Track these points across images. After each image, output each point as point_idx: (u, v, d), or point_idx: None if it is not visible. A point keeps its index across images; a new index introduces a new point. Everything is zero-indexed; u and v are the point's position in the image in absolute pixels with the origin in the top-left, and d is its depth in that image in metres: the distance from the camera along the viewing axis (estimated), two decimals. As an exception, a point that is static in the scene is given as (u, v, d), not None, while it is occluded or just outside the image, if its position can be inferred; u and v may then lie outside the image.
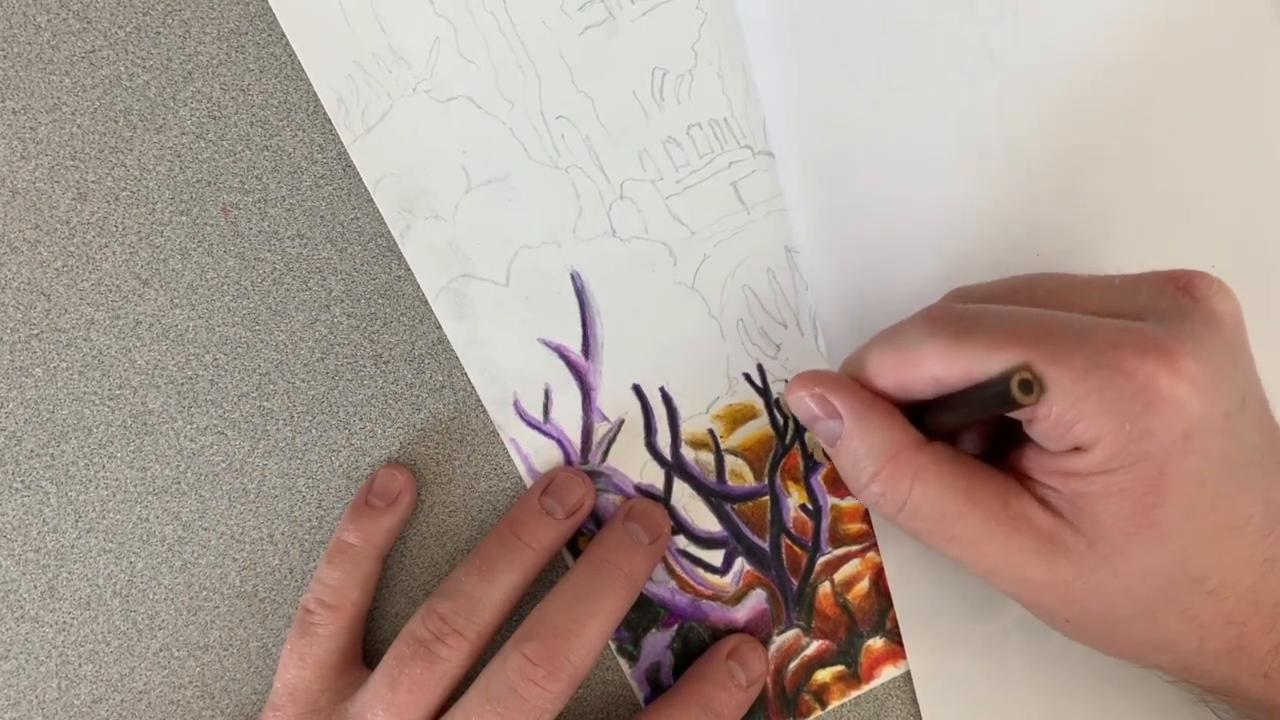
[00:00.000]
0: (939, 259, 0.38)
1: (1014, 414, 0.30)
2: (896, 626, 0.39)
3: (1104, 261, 0.38)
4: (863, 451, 0.32)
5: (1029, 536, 0.30)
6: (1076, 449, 0.29)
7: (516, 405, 0.39)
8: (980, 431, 0.35)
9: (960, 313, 0.31)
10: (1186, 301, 0.30)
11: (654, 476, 0.39)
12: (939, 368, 0.30)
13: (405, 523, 0.39)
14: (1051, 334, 0.29)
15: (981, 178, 0.38)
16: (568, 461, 0.39)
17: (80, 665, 0.39)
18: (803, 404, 0.33)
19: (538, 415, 0.39)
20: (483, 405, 0.39)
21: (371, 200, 0.39)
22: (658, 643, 0.40)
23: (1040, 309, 0.31)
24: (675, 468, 0.39)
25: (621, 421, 0.39)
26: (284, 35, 0.39)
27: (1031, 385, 0.28)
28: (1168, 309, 0.30)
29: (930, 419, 0.32)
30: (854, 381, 0.33)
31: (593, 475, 0.39)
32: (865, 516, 0.40)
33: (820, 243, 0.38)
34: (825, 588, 0.39)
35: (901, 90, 0.38)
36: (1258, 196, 0.39)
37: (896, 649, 0.40)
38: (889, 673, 0.40)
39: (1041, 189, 0.38)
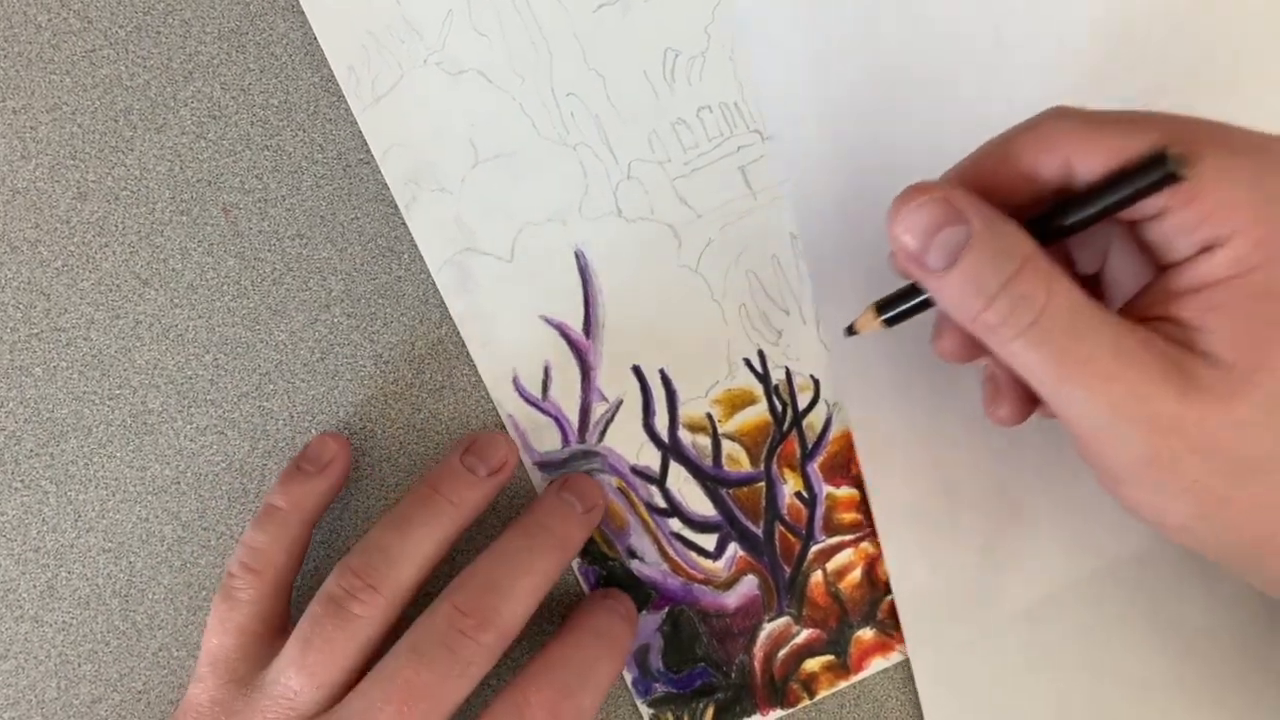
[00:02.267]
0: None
1: (1146, 206, 0.29)
2: (887, 618, 0.40)
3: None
4: (993, 254, 0.29)
5: (1159, 361, 0.28)
6: (1207, 250, 0.28)
7: (515, 382, 0.39)
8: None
9: (1087, 110, 0.30)
10: None
11: (650, 458, 0.40)
12: (1074, 146, 0.29)
13: (337, 490, 0.38)
14: (1193, 120, 0.28)
15: None
16: (565, 441, 0.39)
17: (80, 665, 0.39)
18: (922, 213, 0.29)
19: (536, 393, 0.39)
20: (482, 407, 0.39)
21: (372, 201, 0.39)
22: (648, 625, 0.40)
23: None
24: (672, 450, 0.39)
25: (620, 402, 0.39)
26: (284, 35, 0.39)
27: (1181, 158, 0.27)
28: None
29: (1053, 223, 0.30)
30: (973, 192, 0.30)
31: (588, 455, 0.39)
32: (859, 506, 0.40)
33: (822, 226, 0.38)
34: (817, 576, 0.40)
35: (911, 74, 0.38)
36: None
37: (887, 640, 0.40)
38: (878, 664, 0.40)
39: None
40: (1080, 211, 0.29)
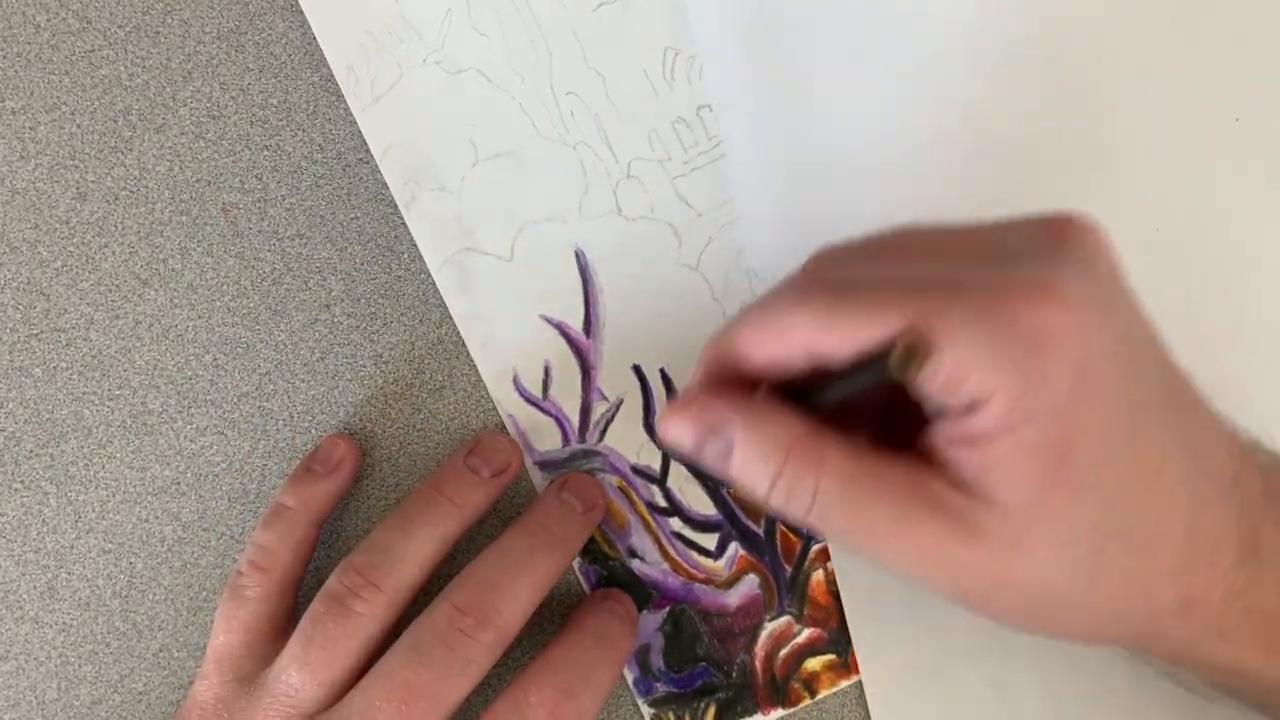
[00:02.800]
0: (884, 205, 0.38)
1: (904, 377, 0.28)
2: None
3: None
4: (760, 452, 0.29)
5: (945, 518, 0.28)
6: (973, 407, 0.27)
7: (516, 382, 0.39)
8: (871, 416, 0.33)
9: (830, 277, 0.29)
10: (1064, 245, 0.29)
11: (651, 458, 0.39)
12: (812, 338, 0.28)
13: (345, 491, 0.39)
14: (930, 288, 0.27)
15: (930, 136, 0.38)
16: (565, 441, 0.39)
17: (80, 666, 0.39)
18: (686, 430, 0.31)
19: (536, 392, 0.39)
20: (482, 407, 0.39)
21: (372, 200, 0.39)
22: (648, 624, 0.40)
23: (915, 263, 0.29)
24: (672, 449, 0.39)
25: (620, 401, 0.39)
26: (284, 35, 0.39)
27: (917, 348, 0.26)
28: (1045, 251, 0.28)
29: (814, 402, 0.30)
30: (729, 389, 0.30)
31: (589, 455, 0.39)
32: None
33: (763, 198, 0.38)
34: (818, 575, 0.40)
35: (852, 49, 0.38)
36: (1210, 164, 0.39)
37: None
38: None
39: (997, 151, 0.38)
40: (834, 392, 0.29)
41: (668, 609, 0.40)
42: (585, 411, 0.39)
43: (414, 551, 0.35)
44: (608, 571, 0.40)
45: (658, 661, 0.40)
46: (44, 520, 0.39)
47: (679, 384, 0.39)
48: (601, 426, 0.39)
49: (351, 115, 0.39)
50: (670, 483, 0.39)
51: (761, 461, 0.29)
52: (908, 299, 0.27)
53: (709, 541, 0.40)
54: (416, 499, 0.37)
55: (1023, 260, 0.28)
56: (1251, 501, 0.29)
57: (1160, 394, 0.29)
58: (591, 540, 0.40)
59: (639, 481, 0.40)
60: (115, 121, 0.39)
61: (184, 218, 0.39)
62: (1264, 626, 0.29)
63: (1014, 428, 0.27)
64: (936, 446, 0.29)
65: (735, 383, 0.31)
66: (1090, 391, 0.27)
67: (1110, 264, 0.29)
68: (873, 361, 0.27)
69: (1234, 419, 0.31)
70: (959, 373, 0.27)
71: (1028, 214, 0.30)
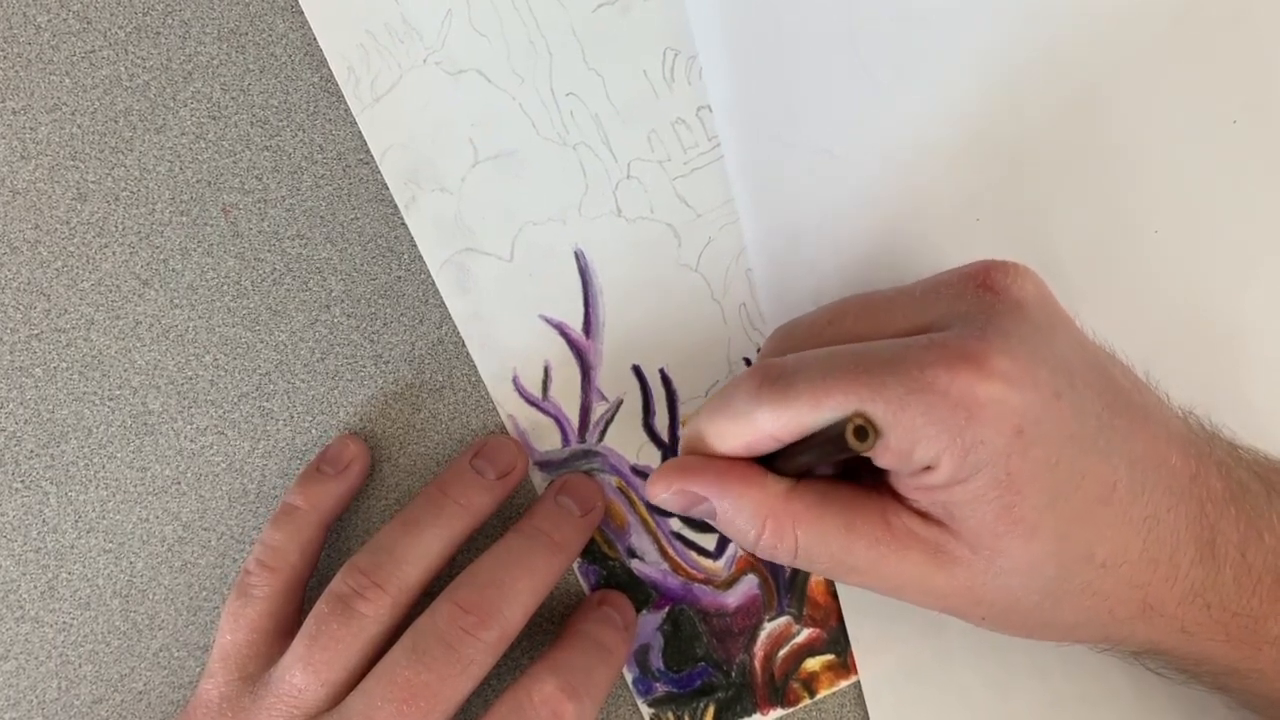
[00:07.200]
0: (873, 212, 0.39)
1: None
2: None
3: (1047, 222, 0.39)
4: (740, 520, 0.32)
5: (918, 551, 0.31)
6: (925, 470, 0.30)
7: (515, 382, 0.39)
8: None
9: (781, 368, 0.31)
10: (987, 296, 0.31)
11: (650, 458, 0.40)
12: (774, 428, 0.31)
13: (354, 492, 0.39)
14: (866, 371, 0.29)
15: (920, 140, 0.38)
16: (565, 441, 0.39)
17: (80, 665, 0.39)
18: (669, 503, 0.33)
19: (536, 392, 0.39)
20: (482, 407, 0.40)
21: (372, 200, 0.39)
22: (648, 624, 0.40)
23: (852, 345, 0.31)
24: (672, 450, 0.39)
25: (620, 402, 0.39)
26: (284, 35, 0.39)
27: (866, 430, 0.28)
28: (970, 309, 0.31)
29: (784, 466, 0.32)
30: (705, 459, 0.33)
31: (589, 455, 0.39)
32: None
33: (755, 197, 0.39)
34: (817, 575, 0.40)
35: (843, 53, 0.38)
36: (1202, 162, 0.39)
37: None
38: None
39: (984, 152, 0.38)
40: (803, 460, 0.31)
41: (667, 609, 0.40)
42: (585, 412, 0.39)
43: (419, 553, 0.36)
44: (607, 571, 0.40)
45: (657, 661, 0.40)
46: (44, 520, 0.39)
47: (678, 384, 0.39)
48: (601, 427, 0.39)
49: (351, 115, 0.39)
50: (670, 483, 0.39)
51: (741, 528, 0.32)
52: (848, 387, 0.29)
53: (708, 541, 0.40)
54: (422, 500, 0.37)
55: (951, 326, 0.30)
56: (1209, 500, 0.31)
57: (1106, 417, 0.30)
58: (591, 540, 0.40)
59: (638, 482, 0.40)
60: (115, 121, 0.39)
61: (184, 218, 0.39)
62: (1223, 619, 0.31)
63: (963, 480, 0.29)
64: (901, 488, 0.31)
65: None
66: (1029, 442, 0.29)
67: (1039, 299, 0.31)
68: (831, 439, 0.29)
69: (1196, 412, 0.33)
70: (904, 447, 0.29)
71: (952, 269, 0.32)
